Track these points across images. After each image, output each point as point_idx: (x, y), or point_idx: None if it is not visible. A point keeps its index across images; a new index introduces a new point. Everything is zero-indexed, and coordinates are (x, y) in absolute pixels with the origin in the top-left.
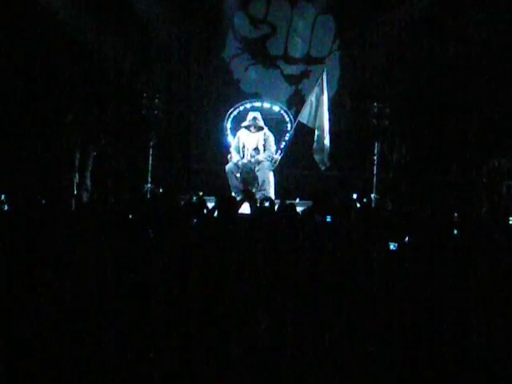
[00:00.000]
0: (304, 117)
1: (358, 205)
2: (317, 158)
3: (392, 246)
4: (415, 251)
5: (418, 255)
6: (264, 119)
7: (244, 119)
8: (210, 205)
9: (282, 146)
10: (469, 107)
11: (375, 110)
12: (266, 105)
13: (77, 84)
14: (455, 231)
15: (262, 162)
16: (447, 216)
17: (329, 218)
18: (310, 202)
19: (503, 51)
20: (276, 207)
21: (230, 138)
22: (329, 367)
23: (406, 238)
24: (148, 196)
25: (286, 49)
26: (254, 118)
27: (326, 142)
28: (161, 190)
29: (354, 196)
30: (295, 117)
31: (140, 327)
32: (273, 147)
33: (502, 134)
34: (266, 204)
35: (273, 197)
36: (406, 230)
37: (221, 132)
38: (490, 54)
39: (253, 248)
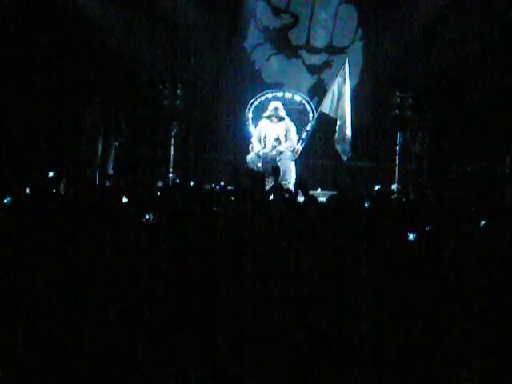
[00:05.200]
0: (326, 107)
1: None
2: (338, 148)
3: (411, 237)
4: (435, 242)
5: (438, 246)
6: (286, 109)
7: (265, 109)
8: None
9: (303, 136)
10: (491, 96)
11: (397, 100)
12: (288, 95)
13: (99, 74)
14: (482, 222)
15: (283, 152)
16: (469, 206)
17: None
18: (331, 192)
19: None
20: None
21: (251, 128)
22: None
23: (426, 228)
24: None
25: (308, 38)
26: (276, 108)
27: (348, 132)
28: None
29: (376, 187)
30: (317, 107)
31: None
32: (294, 137)
33: None
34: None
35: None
36: (426, 221)
37: (242, 122)
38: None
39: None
